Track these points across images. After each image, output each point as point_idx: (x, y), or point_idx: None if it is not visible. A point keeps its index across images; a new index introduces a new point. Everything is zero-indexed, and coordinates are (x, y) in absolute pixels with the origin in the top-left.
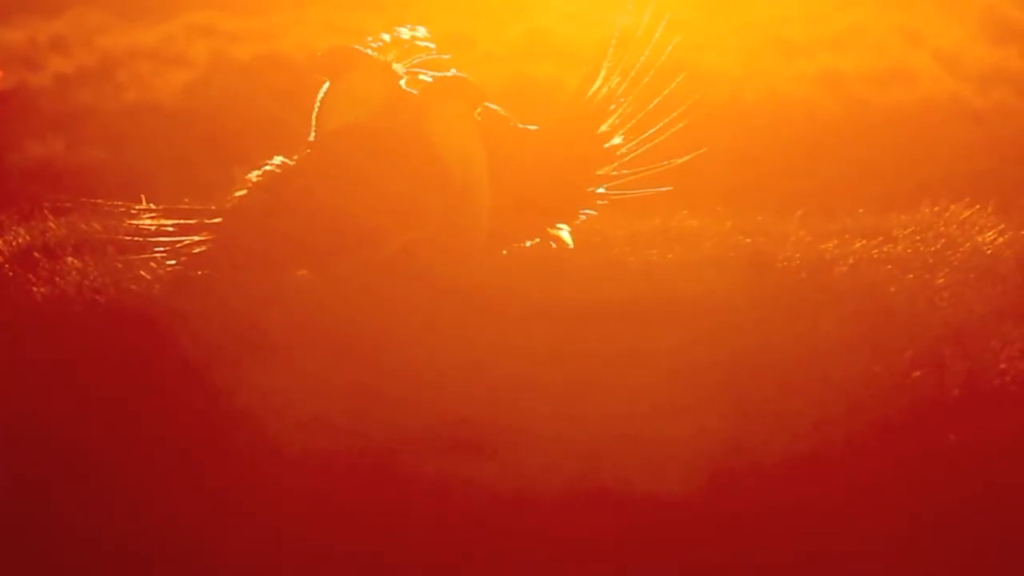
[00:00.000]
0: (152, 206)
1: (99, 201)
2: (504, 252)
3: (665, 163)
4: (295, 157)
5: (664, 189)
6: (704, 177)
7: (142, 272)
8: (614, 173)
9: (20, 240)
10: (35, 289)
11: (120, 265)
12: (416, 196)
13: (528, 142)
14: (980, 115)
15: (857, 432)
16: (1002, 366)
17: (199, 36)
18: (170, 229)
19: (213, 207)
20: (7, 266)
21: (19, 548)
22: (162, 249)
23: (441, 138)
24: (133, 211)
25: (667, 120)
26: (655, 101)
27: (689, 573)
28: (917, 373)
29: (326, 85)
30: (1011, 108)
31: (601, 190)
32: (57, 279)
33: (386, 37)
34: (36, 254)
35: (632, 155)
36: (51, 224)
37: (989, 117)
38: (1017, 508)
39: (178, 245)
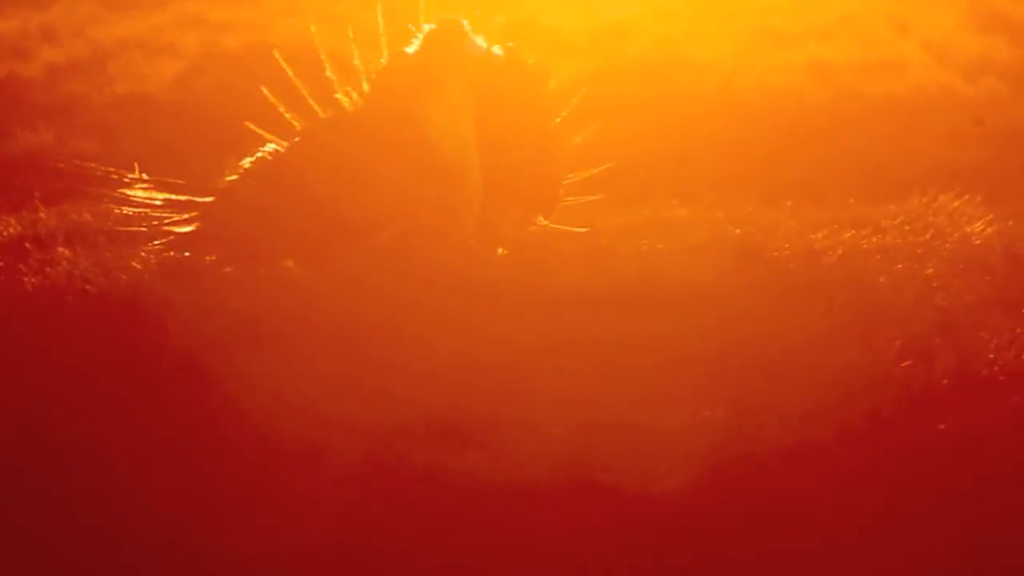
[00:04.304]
0: (144, 176)
1: (91, 164)
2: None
3: (606, 165)
4: (286, 145)
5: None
6: (694, 167)
7: (132, 262)
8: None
9: (11, 230)
10: (26, 279)
11: (110, 255)
12: (409, 183)
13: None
14: (969, 105)
15: (846, 421)
16: (991, 355)
17: (189, 26)
18: (159, 203)
19: (206, 186)
20: None
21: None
22: (148, 226)
23: (432, 123)
24: (125, 179)
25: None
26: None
27: (678, 562)
28: (906, 362)
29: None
30: (1000, 98)
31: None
32: (48, 269)
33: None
34: (27, 244)
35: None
36: (42, 214)
37: (978, 107)
38: (1007, 497)
39: (166, 222)
